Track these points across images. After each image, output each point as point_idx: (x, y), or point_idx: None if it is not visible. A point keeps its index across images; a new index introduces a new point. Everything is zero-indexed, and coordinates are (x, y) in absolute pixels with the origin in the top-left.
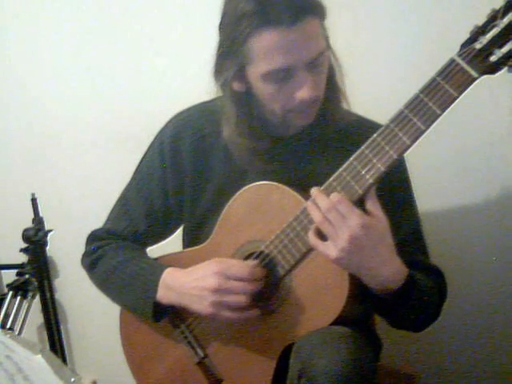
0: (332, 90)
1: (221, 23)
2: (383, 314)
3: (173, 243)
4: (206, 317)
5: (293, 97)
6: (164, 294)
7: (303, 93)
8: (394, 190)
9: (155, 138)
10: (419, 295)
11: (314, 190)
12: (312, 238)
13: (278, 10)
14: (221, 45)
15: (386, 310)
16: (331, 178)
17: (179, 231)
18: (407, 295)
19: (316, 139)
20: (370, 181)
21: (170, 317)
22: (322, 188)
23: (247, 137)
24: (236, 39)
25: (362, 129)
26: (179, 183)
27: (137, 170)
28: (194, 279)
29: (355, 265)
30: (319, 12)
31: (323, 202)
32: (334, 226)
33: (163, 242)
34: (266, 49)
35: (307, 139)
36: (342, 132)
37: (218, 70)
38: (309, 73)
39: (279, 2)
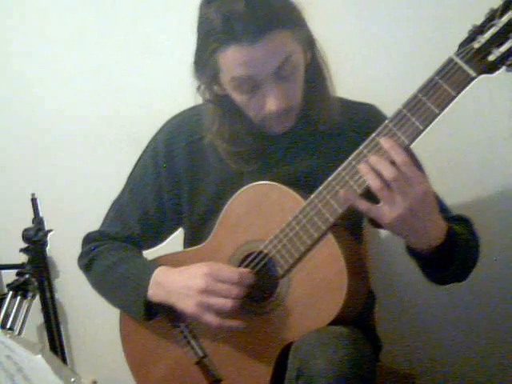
0: (317, 91)
1: (196, 33)
2: (430, 273)
3: (173, 243)
4: (190, 317)
5: (262, 107)
6: (154, 292)
7: (270, 105)
8: None
9: (149, 144)
10: (461, 243)
11: (373, 158)
12: (362, 202)
13: (241, 28)
14: (195, 54)
15: (433, 267)
16: (330, 178)
17: (178, 233)
18: (452, 247)
19: (304, 137)
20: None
21: (169, 316)
22: (322, 187)
23: (227, 141)
24: (204, 52)
25: (352, 122)
26: (175, 187)
27: (131, 175)
28: (184, 278)
29: (407, 229)
30: (288, 22)
31: (389, 171)
32: (394, 193)
33: (163, 243)
34: (231, 63)
35: (296, 137)
36: (332, 128)
37: (196, 76)
38: (276, 83)
39: (242, 19)
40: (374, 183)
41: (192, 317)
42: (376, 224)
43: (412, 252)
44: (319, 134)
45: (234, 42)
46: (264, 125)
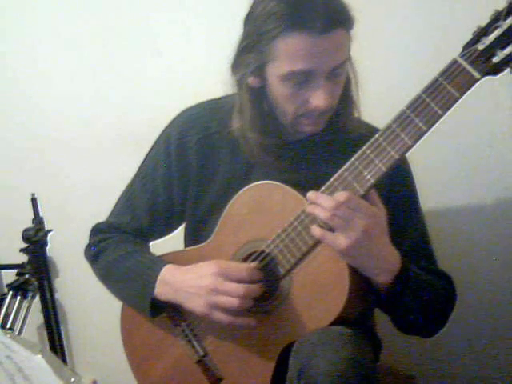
0: (345, 100)
1: (248, 16)
2: (391, 314)
3: (174, 241)
4: (200, 316)
5: (308, 102)
6: (162, 290)
7: (319, 100)
8: (401, 198)
9: (161, 134)
10: (417, 283)
11: (311, 194)
12: (317, 230)
13: (312, 17)
14: (245, 38)
15: (389, 305)
16: (333, 178)
17: (181, 228)
18: (405, 281)
19: (324, 146)
20: (372, 181)
21: (171, 315)
22: (324, 188)
23: (259, 132)
24: (263, 36)
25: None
26: (184, 180)
27: (142, 164)
28: (192, 277)
29: (362, 255)
30: (349, 24)
31: (329, 202)
32: (344, 219)
33: (164, 239)
34: (292, 51)
35: (315, 145)
36: (350, 142)
37: (238, 62)
38: (328, 81)
39: (314, 8)
40: (321, 215)
41: (202, 316)
42: None
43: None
44: (335, 147)
45: (300, 30)
46: (296, 123)
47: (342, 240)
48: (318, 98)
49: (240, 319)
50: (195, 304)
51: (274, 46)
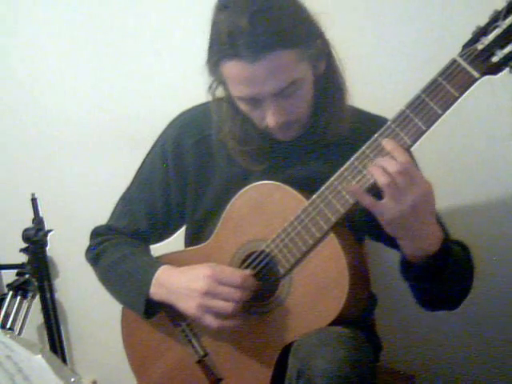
0: (328, 102)
1: (209, 33)
2: (421, 290)
3: (174, 243)
4: (192, 318)
5: (264, 120)
6: (156, 291)
7: (269, 120)
8: None
9: (158, 139)
10: (455, 256)
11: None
12: (366, 197)
13: (242, 44)
14: (207, 53)
15: (425, 281)
16: (333, 178)
17: (181, 231)
18: (446, 256)
19: (314, 144)
20: (371, 181)
21: (171, 315)
22: (323, 188)
23: (238, 140)
24: (210, 60)
25: (362, 132)
26: (181, 184)
27: (139, 169)
28: (186, 279)
29: (406, 227)
30: (294, 42)
31: (393, 166)
32: (399, 189)
33: (165, 242)
34: (232, 77)
35: (305, 143)
36: (345, 138)
37: (208, 74)
38: (276, 101)
39: (244, 35)
40: (380, 179)
41: (193, 318)
42: (376, 237)
43: (405, 265)
44: (327, 142)
45: (235, 57)
46: (268, 131)
47: (388, 209)
48: (268, 119)
49: (228, 322)
50: (187, 306)
51: (219, 70)
